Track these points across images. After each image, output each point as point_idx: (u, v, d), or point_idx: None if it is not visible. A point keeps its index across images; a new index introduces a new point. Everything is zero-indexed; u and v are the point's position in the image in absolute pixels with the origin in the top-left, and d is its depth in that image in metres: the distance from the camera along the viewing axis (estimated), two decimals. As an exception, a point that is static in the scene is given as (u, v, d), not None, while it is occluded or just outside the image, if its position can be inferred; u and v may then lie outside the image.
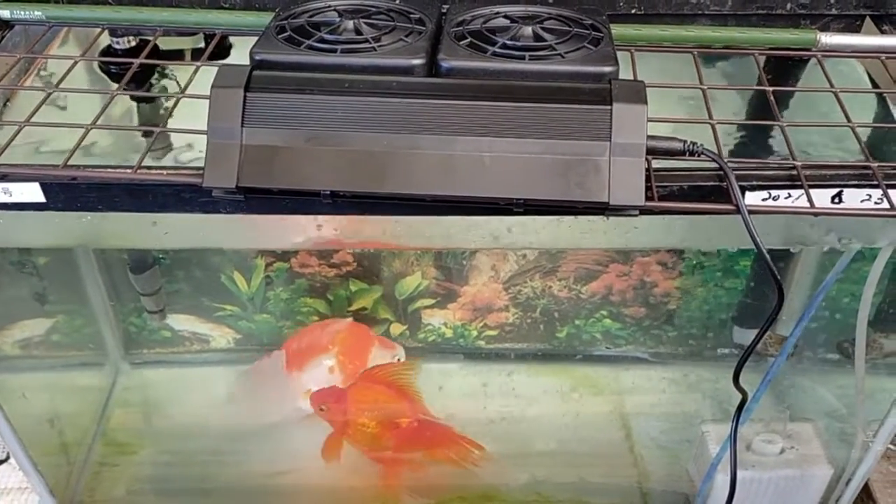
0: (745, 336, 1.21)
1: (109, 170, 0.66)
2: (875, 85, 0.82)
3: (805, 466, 1.04)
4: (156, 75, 0.84)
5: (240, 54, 0.82)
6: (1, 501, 1.16)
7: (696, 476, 1.10)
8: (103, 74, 0.85)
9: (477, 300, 1.22)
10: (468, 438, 1.13)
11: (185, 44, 0.87)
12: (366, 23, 0.70)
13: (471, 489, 1.16)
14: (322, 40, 0.68)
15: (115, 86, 0.81)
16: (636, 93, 0.61)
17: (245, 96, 0.61)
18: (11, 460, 1.20)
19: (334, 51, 0.67)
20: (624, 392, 1.25)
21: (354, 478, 1.16)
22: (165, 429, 1.24)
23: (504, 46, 0.67)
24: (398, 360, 1.13)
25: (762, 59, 0.78)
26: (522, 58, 0.66)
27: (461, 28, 0.70)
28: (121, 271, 1.17)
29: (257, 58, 0.66)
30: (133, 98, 0.82)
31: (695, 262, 1.16)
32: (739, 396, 0.79)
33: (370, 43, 0.68)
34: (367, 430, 1.10)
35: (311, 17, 0.71)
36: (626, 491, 1.17)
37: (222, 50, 0.83)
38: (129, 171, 0.64)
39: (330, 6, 0.73)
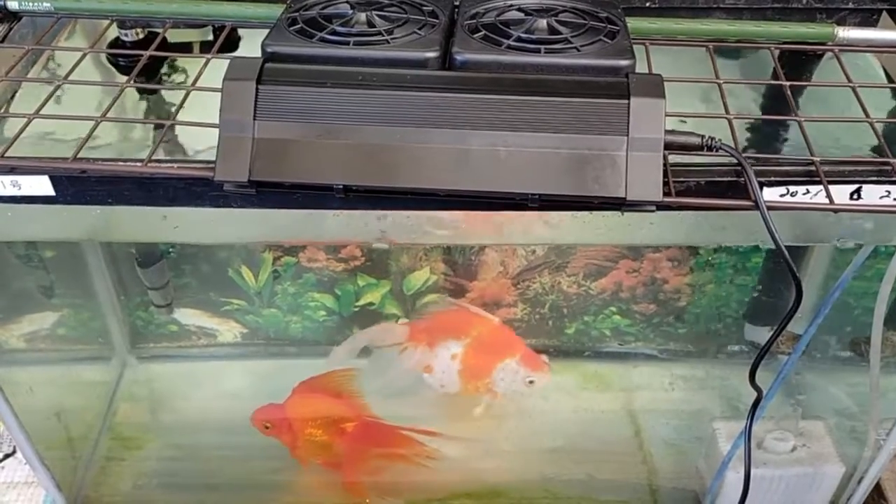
0: (757, 333, 1.20)
1: (119, 163, 0.65)
2: (891, 79, 0.81)
3: (816, 464, 1.04)
4: (164, 68, 0.84)
5: (248, 47, 0.82)
6: (8, 495, 1.16)
7: (707, 473, 1.10)
8: (111, 66, 0.84)
9: (485, 295, 1.21)
10: (419, 430, 1.11)
11: (193, 36, 0.86)
12: (378, 15, 0.69)
13: (480, 486, 1.16)
14: (334, 32, 0.67)
15: (123, 78, 0.80)
16: (654, 86, 0.60)
17: (257, 89, 0.60)
18: (18, 454, 1.20)
19: (347, 43, 0.66)
20: (633, 389, 1.24)
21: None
22: (172, 423, 1.23)
23: (519, 39, 0.66)
24: (530, 382, 1.04)
25: (777, 54, 0.77)
26: (538, 51, 0.65)
27: (475, 21, 0.69)
28: (127, 265, 1.16)
29: (269, 50, 0.65)
30: (142, 91, 0.81)
31: (706, 258, 1.15)
32: (749, 393, 0.78)
33: (383, 35, 0.67)
34: (314, 439, 1.09)
35: (322, 8, 0.71)
36: (636, 488, 1.16)
37: (231, 42, 0.82)
38: (139, 164, 0.64)
39: (342, -2, 0.72)
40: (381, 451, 1.13)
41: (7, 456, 1.21)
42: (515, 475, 1.16)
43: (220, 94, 0.61)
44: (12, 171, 0.65)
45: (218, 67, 0.70)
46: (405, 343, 1.07)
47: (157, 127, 0.75)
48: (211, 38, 0.85)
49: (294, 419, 1.08)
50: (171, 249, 1.15)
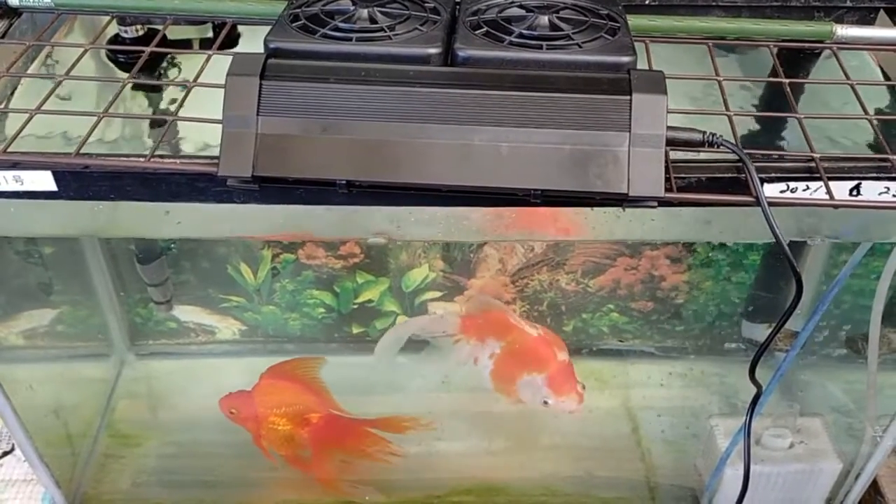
0: (754, 330, 1.21)
1: (122, 158, 0.65)
2: (887, 77, 0.82)
3: (814, 461, 1.04)
4: (163, 64, 0.84)
5: (248, 44, 0.82)
6: (6, 493, 1.15)
7: (704, 470, 1.10)
8: (110, 63, 0.84)
9: (484, 293, 1.21)
10: (384, 422, 1.11)
11: (192, 33, 0.86)
12: (380, 11, 0.69)
13: (478, 483, 1.16)
14: (337, 29, 0.67)
15: (123, 74, 0.80)
16: (656, 83, 0.60)
17: (261, 84, 0.60)
18: (16, 452, 1.20)
19: (349, 39, 0.66)
20: (631, 386, 1.25)
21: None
22: (171, 420, 1.23)
23: (521, 36, 0.67)
24: (544, 403, 1.02)
25: (775, 51, 0.78)
26: (540, 47, 0.65)
27: (476, 17, 0.70)
28: (126, 261, 1.16)
29: (272, 46, 0.65)
30: (142, 87, 0.81)
31: (703, 255, 1.15)
32: (747, 390, 0.78)
33: (385, 32, 0.67)
34: (278, 429, 1.08)
35: (324, 5, 0.71)
36: (634, 485, 1.16)
37: (231, 39, 0.82)
38: (142, 159, 0.64)
39: (343, -6, 0.72)
40: (344, 445, 1.12)
41: (6, 453, 1.21)
42: (514, 472, 1.16)
43: (221, 90, 0.61)
44: (14, 166, 0.65)
45: (218, 64, 0.71)
46: (459, 335, 1.08)
47: (158, 123, 0.75)
48: (210, 34, 0.86)
49: (259, 406, 1.07)
50: (172, 245, 1.15)
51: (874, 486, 1.14)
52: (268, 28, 0.67)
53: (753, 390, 0.77)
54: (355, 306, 1.22)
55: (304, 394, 1.07)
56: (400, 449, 1.11)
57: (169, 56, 0.83)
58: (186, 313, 1.24)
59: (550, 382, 1.02)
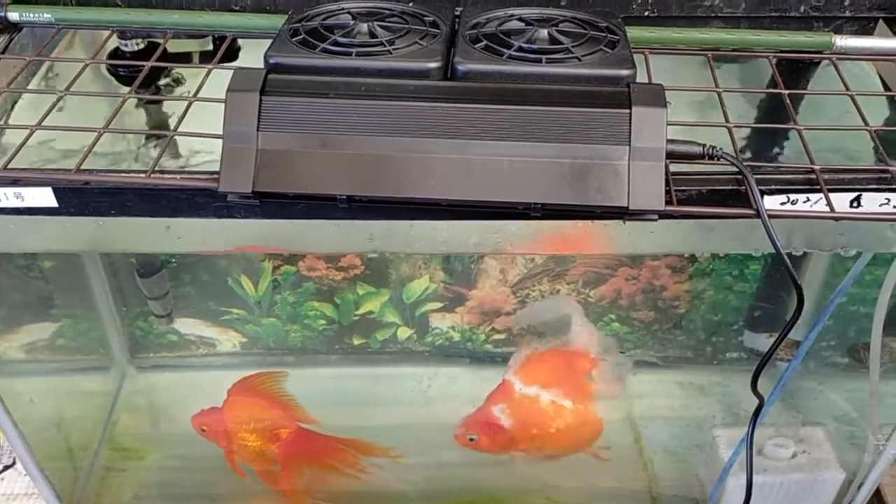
0: (756, 340, 1.20)
1: (123, 174, 0.65)
2: (887, 87, 0.82)
3: (817, 471, 1.04)
4: (164, 78, 0.84)
5: (248, 57, 0.82)
6: (7, 507, 1.16)
7: (707, 481, 1.10)
8: (111, 77, 0.84)
9: (485, 304, 1.21)
10: (356, 443, 1.12)
11: (192, 46, 0.86)
12: (380, 26, 0.69)
13: (481, 493, 1.16)
14: (336, 43, 0.67)
15: (123, 88, 0.81)
16: (655, 96, 0.60)
17: (261, 100, 0.60)
18: (17, 466, 1.20)
19: (349, 54, 0.66)
20: (633, 396, 1.24)
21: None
22: (172, 433, 1.23)
23: (520, 49, 0.67)
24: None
25: (775, 62, 0.78)
26: (539, 61, 0.66)
27: (476, 31, 0.70)
28: (127, 275, 1.16)
29: (272, 61, 0.65)
30: (143, 102, 0.82)
31: (704, 266, 1.15)
32: (749, 400, 0.78)
33: (385, 46, 0.67)
34: (248, 444, 1.08)
35: (324, 20, 0.71)
36: (637, 495, 1.16)
37: (230, 53, 0.83)
38: (142, 175, 0.64)
39: (343, 9, 0.72)
40: (314, 460, 1.12)
41: (6, 468, 1.21)
42: (516, 482, 1.16)
43: (221, 104, 0.61)
44: (15, 182, 0.65)
45: (216, 78, 0.71)
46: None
47: (158, 138, 0.75)
48: (210, 48, 0.86)
49: (229, 422, 1.07)
50: (172, 259, 1.15)
51: (877, 496, 1.14)
52: (267, 41, 0.67)
53: (755, 400, 0.77)
54: (356, 318, 1.22)
55: (272, 409, 1.08)
56: (367, 466, 1.11)
57: (169, 69, 0.83)
58: (187, 326, 1.24)
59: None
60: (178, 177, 0.64)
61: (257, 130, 0.60)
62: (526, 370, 1.06)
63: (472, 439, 1.05)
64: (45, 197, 0.66)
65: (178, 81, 0.84)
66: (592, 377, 1.07)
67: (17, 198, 0.65)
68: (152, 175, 0.64)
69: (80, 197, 0.66)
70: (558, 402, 1.05)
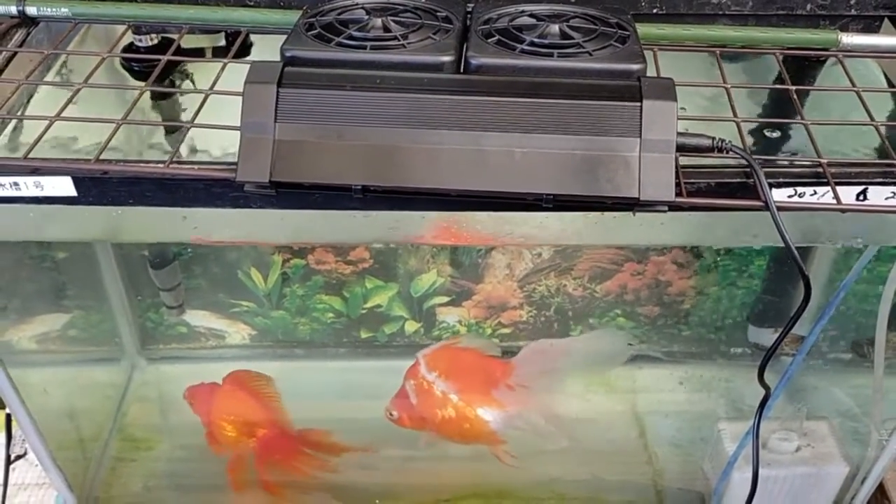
0: (761, 335, 1.21)
1: (141, 164, 0.66)
2: (892, 84, 0.83)
3: (820, 464, 1.05)
4: (177, 73, 0.85)
5: (260, 54, 0.83)
6: (19, 497, 1.16)
7: (712, 474, 1.11)
8: (125, 72, 0.85)
9: (492, 298, 1.22)
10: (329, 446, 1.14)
11: (205, 42, 0.87)
12: (394, 20, 0.70)
13: (487, 486, 1.17)
14: (351, 37, 0.68)
15: (137, 82, 0.82)
16: (666, 89, 0.61)
17: (278, 92, 0.61)
18: (29, 456, 1.21)
19: (364, 48, 0.67)
20: (638, 391, 1.25)
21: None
22: (182, 424, 1.24)
23: (532, 44, 0.68)
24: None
25: (781, 59, 0.79)
26: (551, 55, 0.67)
27: (488, 26, 0.71)
28: (138, 266, 1.17)
29: (288, 54, 0.66)
30: (158, 95, 0.83)
31: (710, 260, 1.16)
32: (754, 395, 0.79)
33: (399, 40, 0.68)
34: (225, 432, 1.10)
35: (339, 14, 0.72)
36: (642, 489, 1.17)
37: (243, 48, 0.84)
38: (161, 165, 0.65)
39: (357, 4, 0.73)
40: (282, 460, 1.14)
41: (18, 457, 1.22)
42: (522, 475, 1.17)
43: (236, 97, 0.62)
44: (35, 171, 0.66)
45: (229, 72, 0.72)
46: None
47: (175, 130, 0.76)
48: (222, 44, 0.87)
49: (216, 406, 1.09)
50: (188, 249, 1.16)
51: (880, 490, 1.14)
52: (280, 37, 0.68)
53: (759, 395, 0.78)
54: (364, 311, 1.23)
55: (257, 409, 1.10)
56: (334, 467, 1.13)
57: (180, 66, 0.84)
58: (197, 318, 1.25)
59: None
60: (195, 167, 0.65)
61: (274, 122, 0.61)
62: (434, 356, 1.07)
63: (391, 415, 1.07)
64: (64, 186, 0.67)
65: (189, 77, 0.85)
66: (502, 386, 1.08)
67: (37, 187, 0.66)
68: (171, 165, 0.65)
69: (98, 186, 0.67)
70: (448, 394, 1.06)
